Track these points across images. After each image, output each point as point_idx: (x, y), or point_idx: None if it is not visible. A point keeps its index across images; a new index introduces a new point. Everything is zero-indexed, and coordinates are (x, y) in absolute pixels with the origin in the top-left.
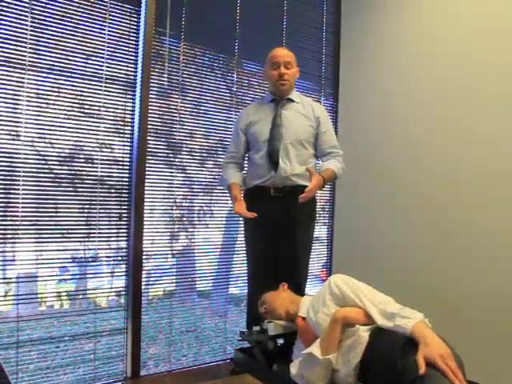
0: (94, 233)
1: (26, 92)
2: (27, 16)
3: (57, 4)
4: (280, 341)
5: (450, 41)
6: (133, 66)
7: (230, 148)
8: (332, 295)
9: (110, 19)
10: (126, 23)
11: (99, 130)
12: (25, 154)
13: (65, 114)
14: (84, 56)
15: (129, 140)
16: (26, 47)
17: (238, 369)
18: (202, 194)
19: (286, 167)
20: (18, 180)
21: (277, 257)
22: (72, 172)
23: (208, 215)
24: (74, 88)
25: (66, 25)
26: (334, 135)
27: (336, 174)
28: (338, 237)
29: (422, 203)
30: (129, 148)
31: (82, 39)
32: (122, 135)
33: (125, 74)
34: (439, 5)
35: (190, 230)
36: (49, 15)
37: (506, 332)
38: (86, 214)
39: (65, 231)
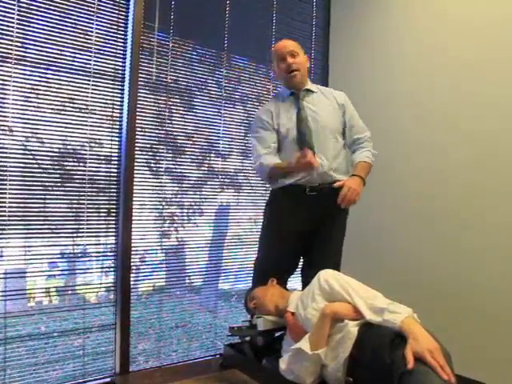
0: (83, 228)
1: (12, 86)
2: (14, 8)
3: None
4: (269, 336)
5: (438, 37)
6: (121, 60)
7: (258, 150)
8: (321, 290)
9: (99, 13)
10: (115, 17)
11: (87, 125)
12: (12, 148)
13: (52, 109)
14: (72, 50)
15: (117, 135)
16: (12, 40)
17: (227, 363)
18: (192, 189)
19: (323, 162)
20: (5, 175)
21: (310, 254)
22: (60, 167)
23: (198, 211)
24: (61, 82)
25: (53, 18)
26: (359, 120)
27: (371, 164)
28: None
29: (422, 202)
30: (117, 143)
31: (69, 33)
32: (110, 130)
33: (113, 68)
34: (429, 0)
35: (179, 225)
36: (36, 7)
37: (507, 331)
38: (74, 210)
39: (53, 226)
